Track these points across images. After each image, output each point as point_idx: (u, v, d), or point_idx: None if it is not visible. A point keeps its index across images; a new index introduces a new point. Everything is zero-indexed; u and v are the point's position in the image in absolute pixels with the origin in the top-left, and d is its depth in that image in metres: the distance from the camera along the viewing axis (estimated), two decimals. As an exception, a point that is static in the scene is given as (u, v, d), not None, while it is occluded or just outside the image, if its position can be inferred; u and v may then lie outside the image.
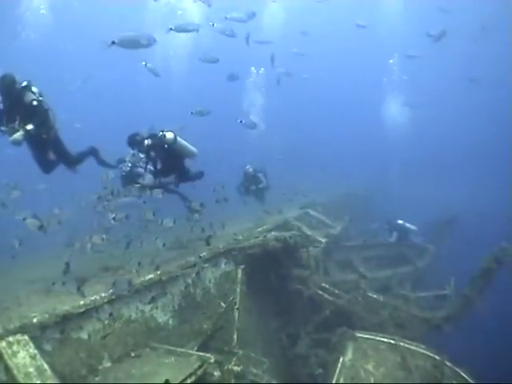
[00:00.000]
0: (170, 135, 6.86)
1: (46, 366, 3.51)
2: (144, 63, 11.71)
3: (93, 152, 7.57)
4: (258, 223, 8.13)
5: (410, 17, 30.44)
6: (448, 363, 4.92)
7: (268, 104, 21.40)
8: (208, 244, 6.33)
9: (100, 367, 4.20)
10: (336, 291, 7.65)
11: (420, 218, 14.03)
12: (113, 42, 6.65)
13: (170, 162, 7.13)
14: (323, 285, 7.66)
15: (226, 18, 12.11)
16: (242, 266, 6.24)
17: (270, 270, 6.83)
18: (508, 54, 28.65)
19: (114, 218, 5.77)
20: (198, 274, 5.53)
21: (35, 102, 5.94)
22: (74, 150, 7.15)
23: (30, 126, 5.86)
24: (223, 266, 6.23)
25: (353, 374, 4.53)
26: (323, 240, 8.48)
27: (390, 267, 10.09)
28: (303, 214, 9.93)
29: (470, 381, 4.91)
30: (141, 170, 7.41)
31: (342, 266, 10.07)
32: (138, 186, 6.96)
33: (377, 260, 10.82)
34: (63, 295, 4.53)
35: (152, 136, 6.96)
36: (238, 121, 10.96)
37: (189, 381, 3.81)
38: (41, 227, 5.01)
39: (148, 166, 7.22)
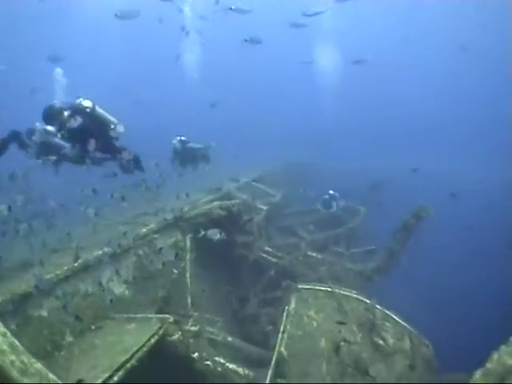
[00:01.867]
0: (87, 103, 6.50)
1: (17, 343, 3.68)
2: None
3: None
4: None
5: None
6: (378, 306, 5.67)
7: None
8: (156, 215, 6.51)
9: (64, 342, 4.41)
10: (279, 254, 8.28)
11: (352, 183, 15.02)
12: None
13: (90, 132, 6.53)
14: (266, 249, 8.26)
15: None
16: (190, 235, 6.60)
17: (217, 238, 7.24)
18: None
19: None
20: (148, 245, 5.81)
21: None
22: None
23: None
24: (172, 236, 6.55)
25: (297, 320, 5.13)
26: (264, 207, 9.01)
27: (326, 229, 10.93)
28: (245, 184, 10.39)
29: (399, 320, 5.71)
30: (59, 141, 6.64)
31: (283, 232, 10.75)
32: (54, 158, 6.43)
33: (315, 224, 11.60)
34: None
35: (68, 106, 6.51)
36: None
37: (152, 340, 4.17)
38: None
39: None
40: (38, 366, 3.38)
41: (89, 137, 6.46)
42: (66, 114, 6.40)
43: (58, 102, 6.56)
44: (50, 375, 3.37)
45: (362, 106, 34.35)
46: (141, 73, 31.83)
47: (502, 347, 4.26)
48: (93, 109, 6.52)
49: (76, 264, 4.80)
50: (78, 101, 6.51)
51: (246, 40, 11.39)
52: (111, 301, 4.88)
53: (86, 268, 4.88)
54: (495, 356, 4.15)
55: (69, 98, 6.83)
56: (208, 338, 5.31)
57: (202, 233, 6.18)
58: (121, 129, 6.68)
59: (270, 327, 6.98)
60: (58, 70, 7.32)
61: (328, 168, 18.08)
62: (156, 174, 7.23)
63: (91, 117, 6.49)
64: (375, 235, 10.84)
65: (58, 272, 4.59)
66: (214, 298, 7.13)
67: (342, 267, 8.31)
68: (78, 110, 6.42)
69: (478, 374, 3.95)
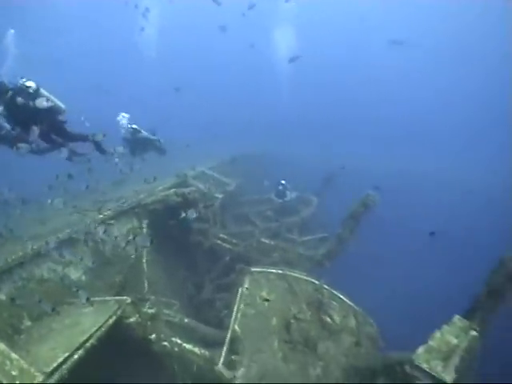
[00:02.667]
0: (30, 83, 6.24)
1: None
2: None
3: None
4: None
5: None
6: (326, 286, 6.06)
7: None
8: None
9: (22, 326, 4.45)
10: (233, 240, 8.53)
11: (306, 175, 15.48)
12: None
13: (34, 114, 6.32)
14: (221, 235, 8.48)
15: None
16: (146, 221, 6.71)
17: (172, 225, 7.38)
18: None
19: None
20: (105, 231, 5.85)
21: None
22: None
23: None
24: (128, 222, 6.63)
25: (250, 300, 5.41)
26: (219, 196, 9.21)
27: (279, 218, 11.29)
28: (200, 173, 10.52)
29: (345, 299, 6.13)
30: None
31: (238, 220, 11.00)
32: None
33: (269, 213, 11.93)
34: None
35: (12, 87, 6.21)
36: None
37: (110, 321, 4.30)
38: None
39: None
40: (1, 346, 3.47)
41: (31, 120, 6.27)
42: (9, 93, 6.10)
43: (4, 79, 6.21)
44: (13, 354, 3.46)
45: (322, 97, 35.09)
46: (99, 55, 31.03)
47: (445, 326, 4.74)
48: (37, 90, 6.26)
49: (30, 250, 4.82)
50: (21, 81, 6.23)
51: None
52: (77, 290, 4.87)
53: (41, 254, 4.90)
54: (437, 335, 4.62)
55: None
56: (165, 320, 5.48)
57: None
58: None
59: (226, 311, 7.24)
60: (11, 31, 7.02)
61: (284, 158, 18.45)
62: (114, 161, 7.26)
63: (34, 99, 6.19)
64: (329, 223, 11.31)
65: (13, 257, 4.61)
66: (171, 284, 7.28)
67: (294, 253, 8.67)
68: (20, 91, 6.15)
69: (420, 350, 4.40)
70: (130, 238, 6.11)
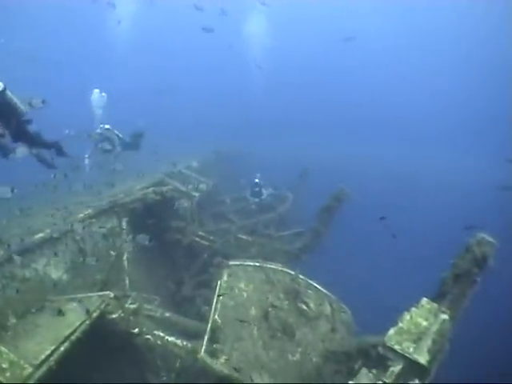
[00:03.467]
0: None
1: None
2: None
3: None
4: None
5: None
6: (301, 276, 6.33)
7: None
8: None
9: (8, 323, 4.54)
10: (211, 237, 8.72)
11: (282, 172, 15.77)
12: None
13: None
14: (199, 233, 8.66)
15: None
16: (126, 219, 6.84)
17: (152, 223, 7.51)
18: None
19: None
20: (84, 229, 5.96)
21: None
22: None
23: None
24: (108, 221, 6.74)
25: (229, 292, 5.62)
26: (196, 194, 9.37)
27: (256, 215, 11.54)
28: (177, 173, 10.65)
29: (320, 288, 6.40)
30: None
31: (215, 218, 11.18)
32: None
33: (245, 210, 12.17)
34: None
35: None
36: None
37: (94, 315, 4.44)
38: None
39: None
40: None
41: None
42: None
43: None
44: (2, 348, 3.59)
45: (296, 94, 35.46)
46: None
47: (413, 309, 5.02)
48: (3, 90, 6.08)
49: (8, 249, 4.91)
50: None
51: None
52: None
53: (22, 253, 4.99)
54: (407, 317, 4.89)
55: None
56: (147, 315, 5.64)
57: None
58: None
59: (206, 307, 7.41)
60: None
61: (258, 156, 18.69)
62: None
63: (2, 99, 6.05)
64: (304, 219, 11.61)
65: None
66: (151, 281, 7.42)
67: (272, 248, 8.93)
68: None
69: (391, 332, 4.66)
70: (111, 235, 6.22)
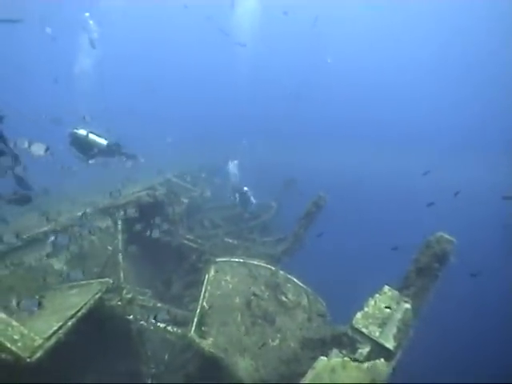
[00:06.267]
0: None
1: None
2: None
3: None
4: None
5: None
6: (281, 271, 6.98)
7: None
8: None
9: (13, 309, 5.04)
10: (199, 240, 9.31)
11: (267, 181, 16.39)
12: None
13: None
14: (188, 236, 9.24)
15: None
16: (122, 218, 7.41)
17: (144, 226, 8.09)
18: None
19: None
20: (82, 227, 6.53)
21: None
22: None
23: None
24: (105, 220, 7.31)
25: (216, 284, 6.22)
26: (185, 200, 9.98)
27: (242, 222, 12.15)
28: (167, 181, 11.25)
29: (298, 282, 7.03)
30: None
31: (202, 225, 11.76)
32: None
33: (232, 218, 12.77)
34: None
35: None
36: None
37: (97, 296, 5.00)
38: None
39: None
40: (2, 315, 4.12)
41: None
42: None
43: None
44: (13, 322, 4.12)
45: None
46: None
47: (377, 295, 5.64)
48: None
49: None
50: None
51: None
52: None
53: (30, 243, 5.55)
54: (371, 302, 5.50)
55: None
56: (140, 305, 6.20)
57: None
58: None
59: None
60: None
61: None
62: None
63: None
64: (286, 227, 12.25)
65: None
66: (142, 278, 7.96)
67: (256, 251, 9.54)
68: None
69: (358, 315, 5.25)
70: (107, 234, 6.78)
